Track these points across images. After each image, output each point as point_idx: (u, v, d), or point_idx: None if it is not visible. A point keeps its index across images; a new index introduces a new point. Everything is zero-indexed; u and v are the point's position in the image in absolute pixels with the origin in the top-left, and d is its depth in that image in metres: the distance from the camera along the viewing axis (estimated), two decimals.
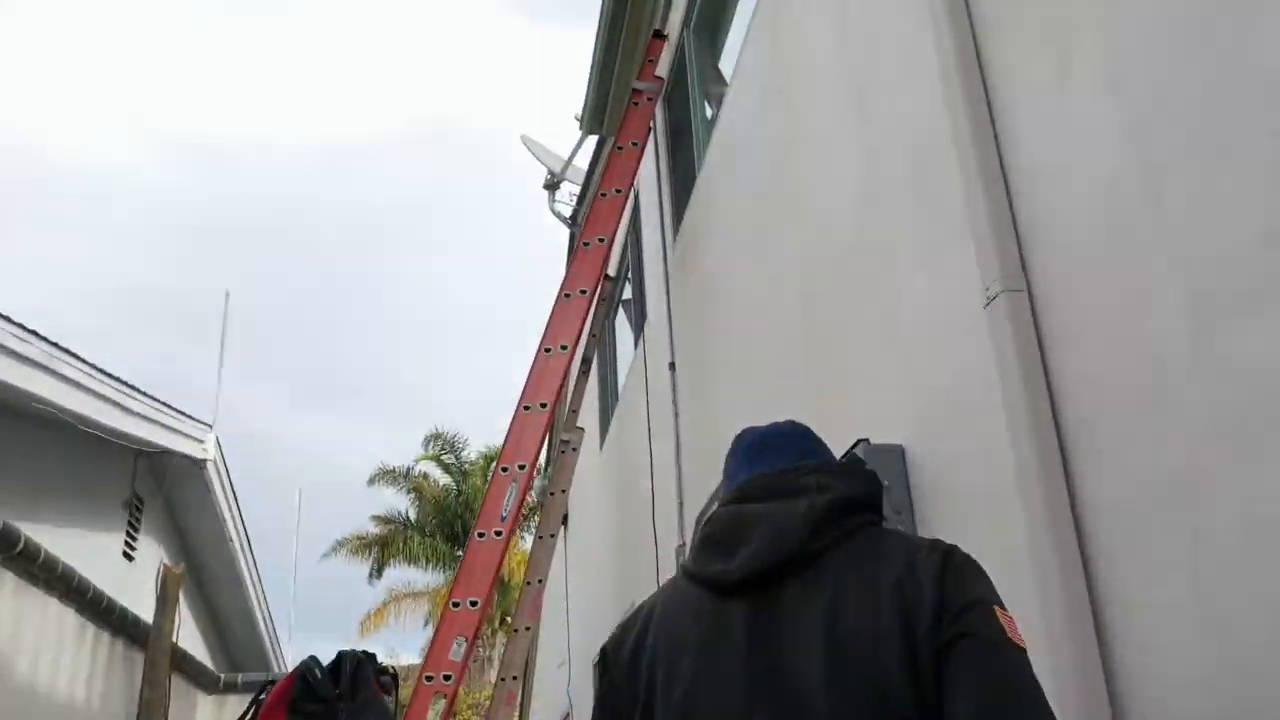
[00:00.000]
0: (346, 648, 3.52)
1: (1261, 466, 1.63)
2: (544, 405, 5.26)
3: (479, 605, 4.54)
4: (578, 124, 9.28)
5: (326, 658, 3.32)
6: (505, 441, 5.28)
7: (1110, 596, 1.99)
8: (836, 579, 1.38)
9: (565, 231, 11.05)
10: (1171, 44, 1.92)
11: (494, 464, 5.32)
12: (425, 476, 23.97)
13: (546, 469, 9.64)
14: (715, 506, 1.63)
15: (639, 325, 7.87)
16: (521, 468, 5.03)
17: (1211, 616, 1.73)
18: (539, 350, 5.54)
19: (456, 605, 4.57)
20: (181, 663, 5.63)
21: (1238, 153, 1.72)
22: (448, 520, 22.92)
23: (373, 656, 3.65)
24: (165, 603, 5.20)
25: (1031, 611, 2.14)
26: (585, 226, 6.26)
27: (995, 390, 2.34)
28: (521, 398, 5.33)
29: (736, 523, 1.51)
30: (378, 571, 23.19)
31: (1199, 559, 1.76)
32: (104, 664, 5.03)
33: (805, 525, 1.43)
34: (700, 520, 5.57)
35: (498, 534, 4.79)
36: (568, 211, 10.98)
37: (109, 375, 7.00)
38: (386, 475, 23.70)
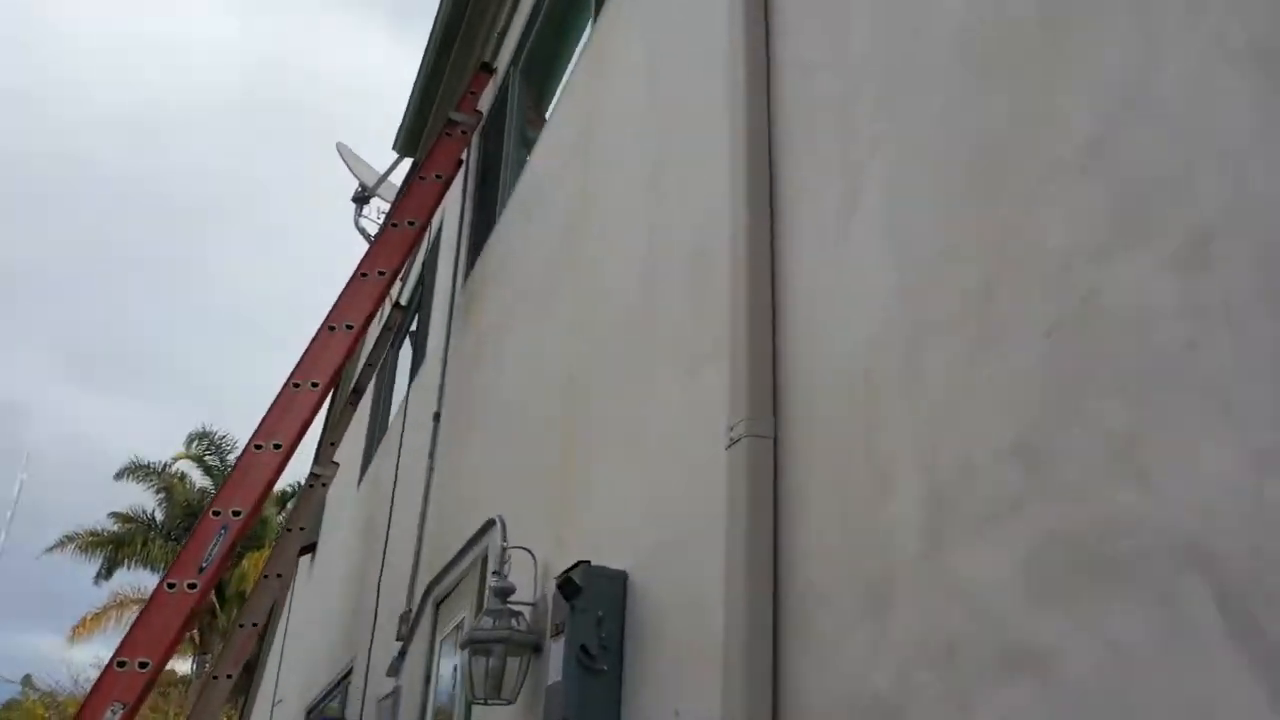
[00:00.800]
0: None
1: (970, 710, 1.41)
2: (278, 446, 4.71)
3: (149, 668, 3.92)
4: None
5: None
6: (226, 481, 4.68)
7: None
8: None
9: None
10: (954, 209, 1.73)
11: (208, 504, 4.71)
12: (181, 477, 22.17)
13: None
14: None
15: (415, 364, 7.40)
16: (236, 514, 4.45)
17: None
18: (286, 384, 4.99)
19: (122, 665, 3.93)
20: None
21: (1001, 343, 1.53)
22: None
23: None
24: None
25: None
26: (368, 256, 5.77)
27: (722, 540, 2.08)
28: (255, 435, 4.76)
29: None
30: (107, 572, 21.16)
31: None
32: None
33: None
34: (429, 592, 5.15)
35: (191, 586, 4.18)
36: (373, 229, 10.39)
37: None
38: (138, 471, 21.77)
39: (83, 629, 20.49)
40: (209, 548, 4.26)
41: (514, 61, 6.25)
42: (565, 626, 2.57)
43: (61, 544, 21.07)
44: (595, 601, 2.55)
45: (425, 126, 7.83)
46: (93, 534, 21.28)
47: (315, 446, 8.44)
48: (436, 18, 7.00)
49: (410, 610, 5.10)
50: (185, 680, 19.72)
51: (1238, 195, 1.21)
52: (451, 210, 7.02)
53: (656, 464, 2.69)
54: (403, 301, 8.71)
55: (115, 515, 21.65)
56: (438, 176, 6.12)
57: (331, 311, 5.36)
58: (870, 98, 2.11)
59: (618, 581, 2.61)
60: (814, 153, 2.31)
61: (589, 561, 2.62)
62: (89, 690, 3.92)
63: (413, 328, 8.50)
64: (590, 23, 4.79)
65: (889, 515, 1.66)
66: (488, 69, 6.64)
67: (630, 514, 2.80)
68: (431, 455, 5.64)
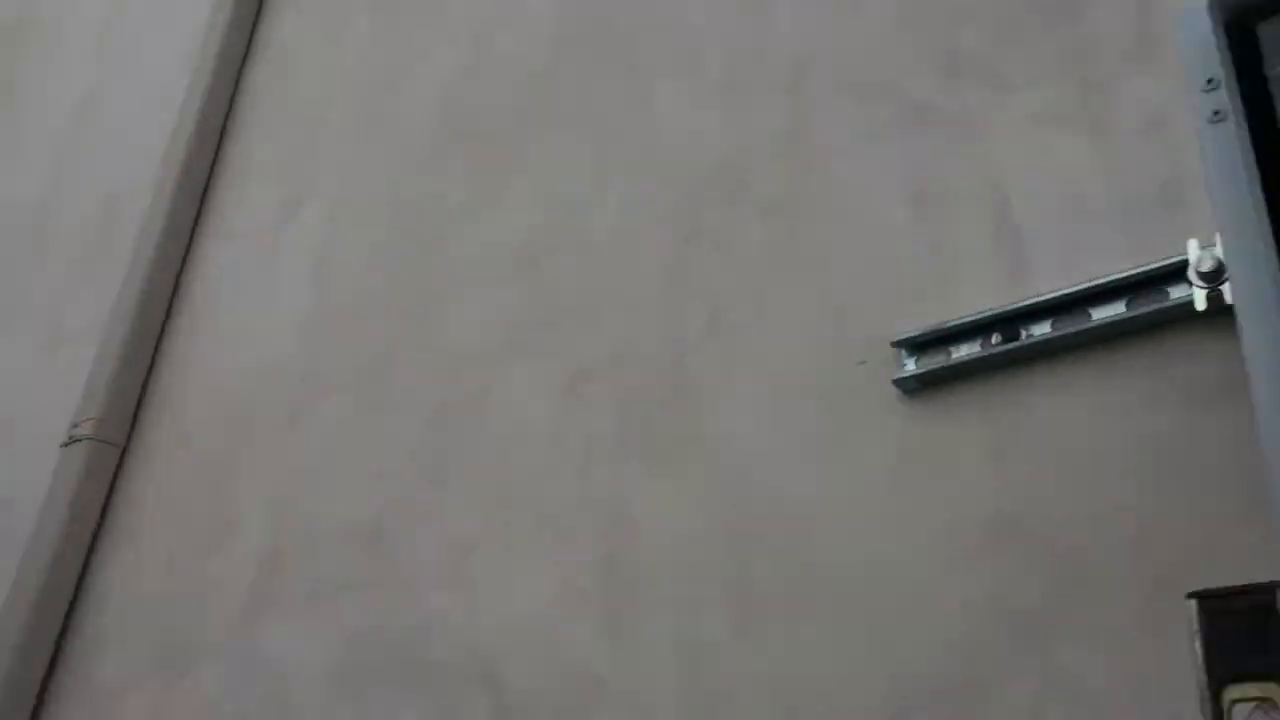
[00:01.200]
0: None
1: None
2: None
3: None
4: None
5: None
6: None
7: None
8: None
9: None
10: (381, 265, 1.66)
11: None
12: None
13: None
14: None
15: None
16: None
17: None
18: None
19: None
20: None
21: (387, 415, 1.47)
22: None
23: None
24: None
25: None
26: None
27: (21, 555, 1.74)
28: None
29: None
30: None
31: None
32: None
33: None
34: None
35: None
36: None
37: None
38: None
39: None
40: None
41: None
42: None
43: None
44: None
45: None
46: None
47: None
48: None
49: None
50: None
51: (629, 341, 1.28)
52: None
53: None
54: None
55: None
56: None
57: None
58: (343, 117, 1.98)
59: None
60: (268, 154, 2.11)
61: None
62: None
63: None
64: None
65: (219, 570, 1.51)
66: None
67: None
68: None
